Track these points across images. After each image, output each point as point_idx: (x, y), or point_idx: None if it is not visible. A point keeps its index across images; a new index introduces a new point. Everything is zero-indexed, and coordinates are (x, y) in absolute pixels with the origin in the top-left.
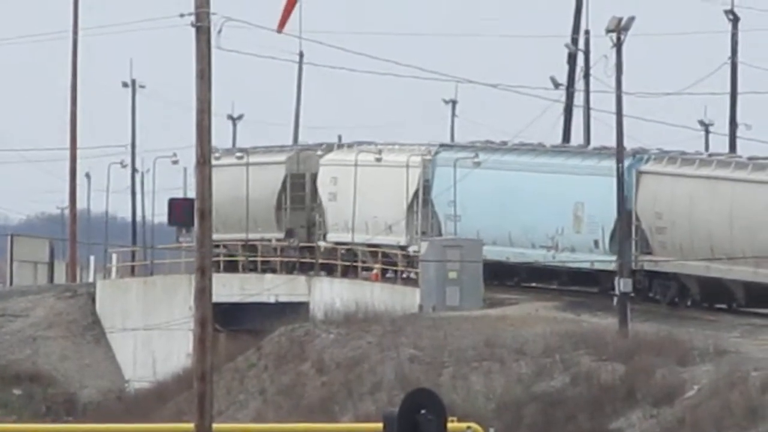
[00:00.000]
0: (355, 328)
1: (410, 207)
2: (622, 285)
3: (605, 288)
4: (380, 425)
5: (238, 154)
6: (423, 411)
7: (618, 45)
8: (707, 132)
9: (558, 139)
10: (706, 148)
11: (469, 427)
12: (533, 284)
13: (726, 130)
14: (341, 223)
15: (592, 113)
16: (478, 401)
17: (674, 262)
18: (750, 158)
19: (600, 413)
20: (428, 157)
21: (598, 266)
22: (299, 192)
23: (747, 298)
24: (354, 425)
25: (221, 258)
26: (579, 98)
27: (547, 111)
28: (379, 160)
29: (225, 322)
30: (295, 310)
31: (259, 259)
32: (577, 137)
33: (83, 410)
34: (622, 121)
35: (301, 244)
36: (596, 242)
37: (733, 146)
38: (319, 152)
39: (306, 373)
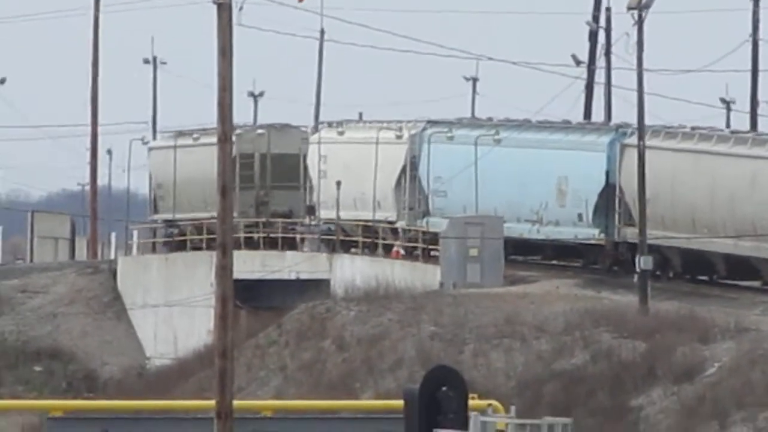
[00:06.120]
0: (375, 305)
1: (398, 183)
2: (642, 262)
3: (589, 261)
4: (401, 402)
5: (195, 135)
6: (444, 388)
7: (639, 22)
8: (728, 109)
9: (579, 117)
10: (728, 125)
11: (489, 405)
12: (519, 258)
13: (747, 107)
14: (331, 200)
15: (613, 90)
16: (498, 378)
17: (656, 234)
18: (732, 132)
19: (620, 390)
20: (416, 133)
21: (582, 240)
22: (248, 171)
23: (728, 270)
24: (375, 402)
25: (174, 239)
26: (600, 76)
27: (569, 88)
28: (367, 137)
29: (246, 299)
30: (316, 287)
31: (204, 237)
32: (598, 114)
33: (104, 387)
34: (643, 99)
35: (250, 221)
36: (580, 216)
37: (754, 124)
38: (316, 130)
39: (327, 350)
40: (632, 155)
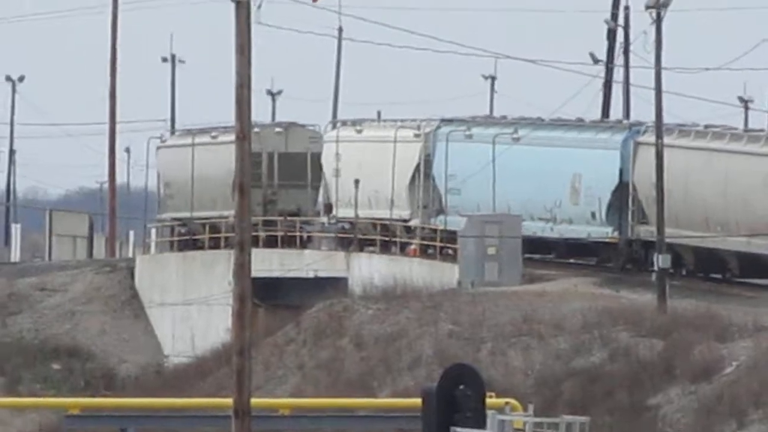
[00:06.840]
0: (393, 304)
1: (412, 181)
2: (661, 261)
3: (602, 259)
4: (419, 400)
5: (214, 134)
6: (462, 386)
7: (657, 21)
8: (746, 108)
9: (597, 115)
10: (746, 124)
11: (507, 403)
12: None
13: (766, 106)
14: (345, 199)
15: (631, 89)
16: (516, 377)
17: (670, 232)
18: (745, 130)
19: (638, 389)
20: (430, 131)
21: (595, 238)
22: (255, 170)
23: (741, 269)
24: (393, 400)
25: (187, 237)
26: (618, 74)
27: (587, 87)
28: (381, 135)
29: (264, 297)
30: (334, 285)
31: (223, 235)
32: (616, 113)
33: (122, 385)
34: (661, 97)
35: (259, 219)
36: (593, 214)
37: None
38: (327, 129)
39: (344, 349)
40: (646, 153)
